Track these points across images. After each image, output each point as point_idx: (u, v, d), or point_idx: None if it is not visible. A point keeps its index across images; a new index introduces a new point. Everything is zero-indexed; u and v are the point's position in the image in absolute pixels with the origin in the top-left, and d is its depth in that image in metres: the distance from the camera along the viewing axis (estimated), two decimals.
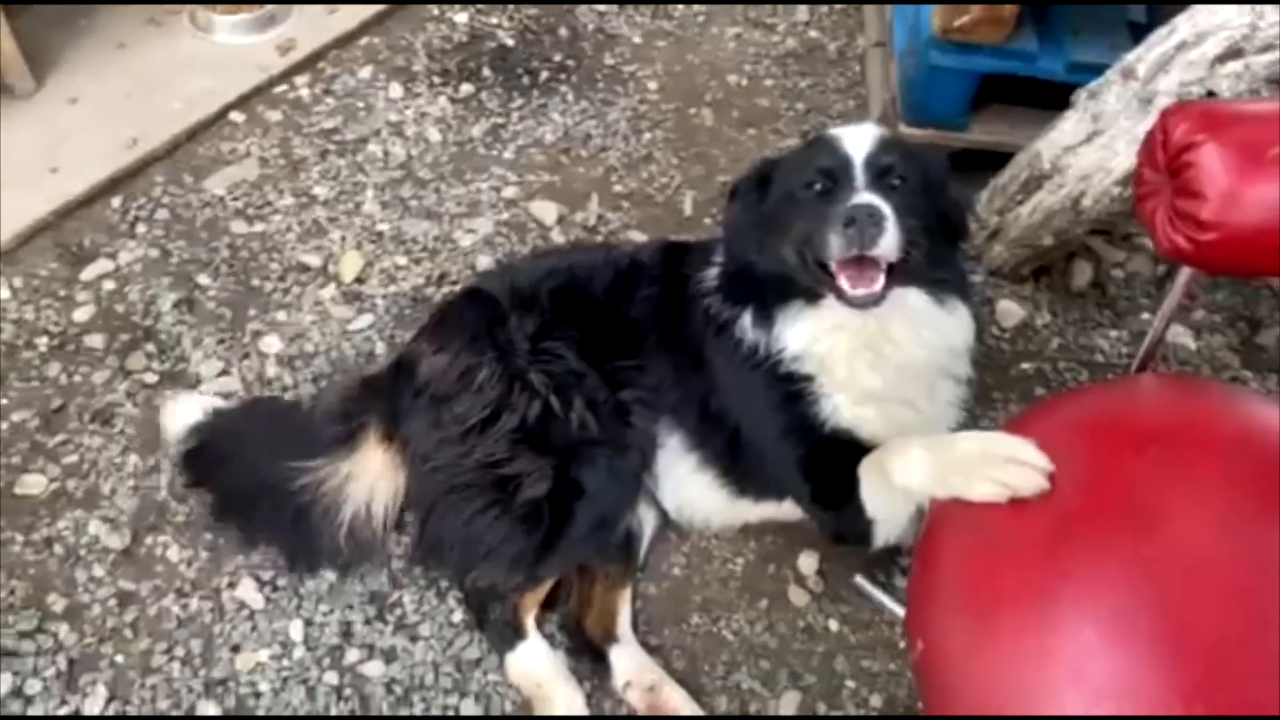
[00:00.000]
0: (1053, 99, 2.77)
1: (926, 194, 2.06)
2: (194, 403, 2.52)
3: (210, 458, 2.42)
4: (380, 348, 2.78)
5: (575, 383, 2.27)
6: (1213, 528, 1.60)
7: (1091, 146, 2.46)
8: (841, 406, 2.12)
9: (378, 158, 3.20)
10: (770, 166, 2.18)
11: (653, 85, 3.49)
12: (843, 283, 1.97)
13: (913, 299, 2.08)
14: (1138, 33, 2.65)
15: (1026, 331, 2.88)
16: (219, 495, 2.40)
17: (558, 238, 3.05)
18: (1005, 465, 1.70)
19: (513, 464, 2.21)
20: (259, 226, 3.01)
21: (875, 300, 1.97)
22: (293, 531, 2.33)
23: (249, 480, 2.35)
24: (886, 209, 1.91)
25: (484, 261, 2.95)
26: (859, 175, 2.00)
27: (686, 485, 2.40)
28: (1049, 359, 2.83)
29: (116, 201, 3.02)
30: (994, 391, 2.75)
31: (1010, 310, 2.90)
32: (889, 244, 1.91)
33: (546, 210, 3.09)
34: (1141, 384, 1.96)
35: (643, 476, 2.34)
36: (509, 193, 3.14)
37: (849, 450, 2.09)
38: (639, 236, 3.06)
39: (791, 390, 2.13)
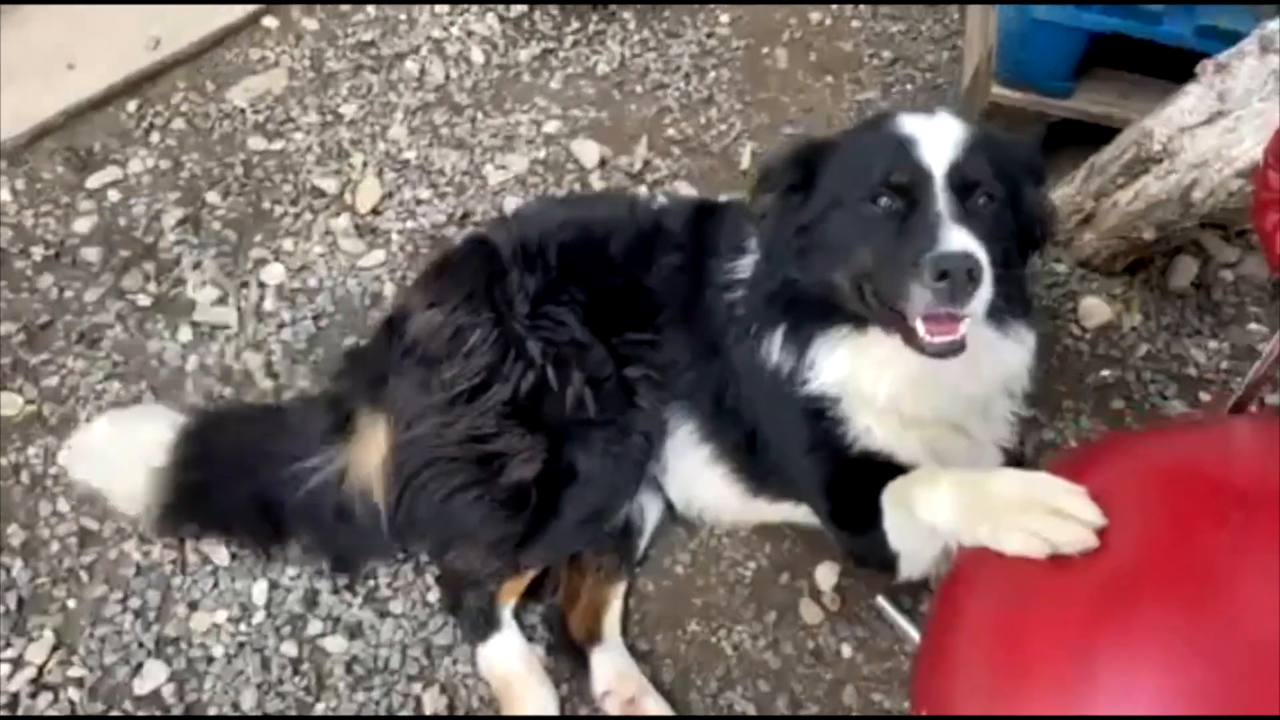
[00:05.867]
0: (1172, 68, 2.39)
1: (1012, 206, 1.73)
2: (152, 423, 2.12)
3: (198, 485, 2.07)
4: (389, 289, 2.56)
5: (576, 354, 2.03)
6: None
7: (1213, 129, 2.08)
8: (875, 428, 1.84)
9: (413, 77, 2.95)
10: (814, 154, 1.81)
11: (725, 18, 3.15)
12: (921, 331, 1.64)
13: (974, 329, 1.69)
14: None
15: (1111, 334, 2.52)
16: (228, 526, 2.13)
17: (597, 183, 2.77)
18: (1047, 516, 1.41)
19: (499, 440, 1.98)
20: (277, 144, 2.79)
21: (957, 349, 1.65)
22: (334, 534, 2.09)
23: (255, 499, 2.06)
24: (982, 256, 1.56)
25: (512, 203, 2.70)
26: (940, 196, 1.63)
27: (697, 477, 2.15)
28: (1133, 368, 2.48)
29: (132, 106, 2.83)
30: (1065, 400, 2.42)
31: (1095, 308, 2.54)
32: (983, 300, 1.58)
33: (588, 151, 2.81)
34: (1236, 430, 1.62)
35: (646, 464, 2.09)
36: (550, 127, 2.87)
37: (879, 471, 1.81)
38: (687, 189, 2.77)
39: (818, 407, 1.85)
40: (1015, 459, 2.02)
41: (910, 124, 1.75)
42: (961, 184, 1.67)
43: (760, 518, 2.20)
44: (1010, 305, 1.76)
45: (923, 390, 1.79)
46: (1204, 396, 2.45)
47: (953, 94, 2.96)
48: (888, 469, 1.80)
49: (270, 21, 3.02)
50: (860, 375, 1.80)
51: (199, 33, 2.93)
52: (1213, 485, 1.47)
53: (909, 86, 3.01)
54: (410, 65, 2.97)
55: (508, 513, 1.99)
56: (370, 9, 3.08)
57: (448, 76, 2.96)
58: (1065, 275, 2.57)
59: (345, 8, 3.07)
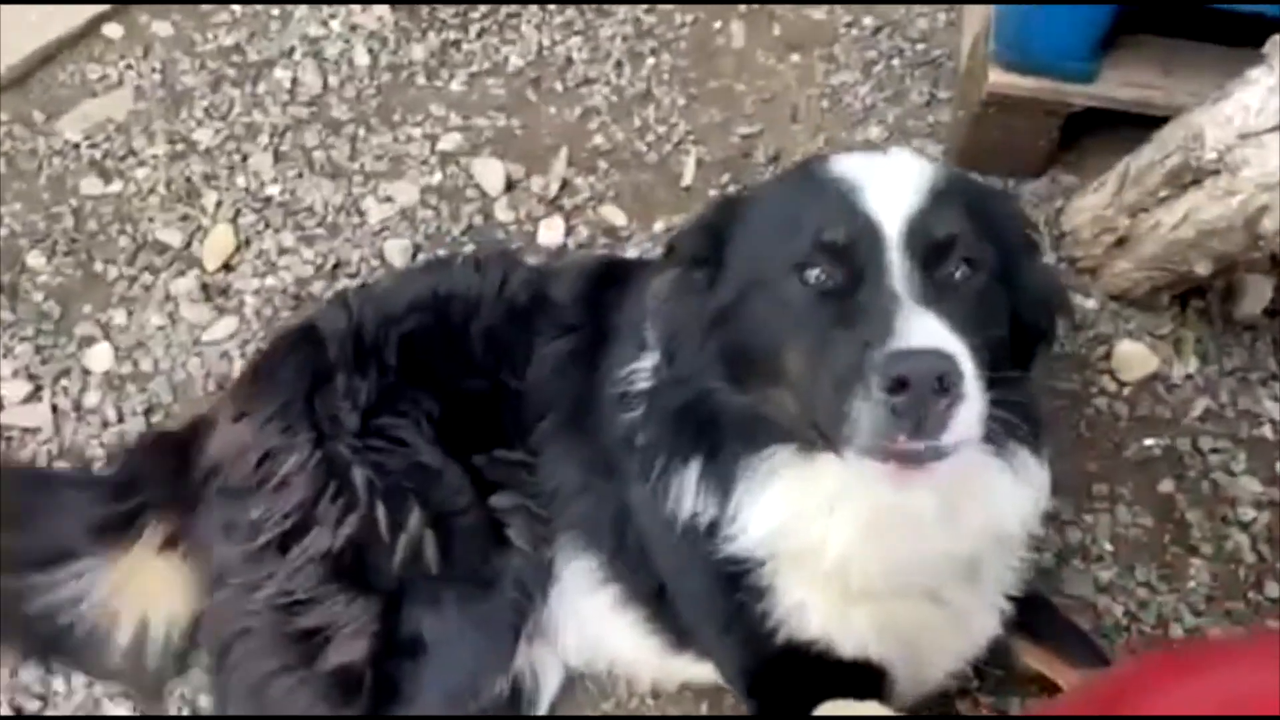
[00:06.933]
0: (1224, 30, 1.79)
1: (1004, 280, 1.18)
2: None
3: None
4: (238, 368, 2.06)
5: (419, 484, 1.55)
6: None
7: None
8: (810, 608, 1.31)
9: (283, 89, 2.42)
10: (727, 215, 1.30)
11: None
12: (884, 474, 1.10)
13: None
14: None
15: (1156, 388, 1.95)
16: None
17: (503, 213, 2.23)
18: None
19: (316, 610, 1.52)
20: (115, 186, 2.29)
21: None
22: (73, 660, 1.68)
23: None
24: (961, 354, 1.04)
25: (396, 246, 2.17)
26: (896, 263, 1.11)
27: (600, 629, 1.65)
28: (1188, 432, 1.90)
29: None
30: (1097, 482, 1.86)
31: (1134, 355, 1.96)
32: (966, 425, 1.04)
33: (493, 172, 2.27)
34: None
35: (523, 622, 1.58)
36: (447, 143, 2.33)
37: (816, 672, 1.28)
38: (616, 214, 2.23)
39: (735, 571, 1.32)
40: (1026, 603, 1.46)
41: (851, 165, 1.21)
42: (928, 245, 1.13)
43: (686, 677, 1.68)
44: (1011, 427, 1.19)
45: (881, 548, 1.24)
46: None
47: (951, 70, 2.36)
48: (828, 670, 1.28)
49: (113, 30, 2.50)
50: (800, 522, 1.26)
51: (25, 49, 2.42)
52: None
53: (895, 62, 2.42)
54: (280, 74, 2.44)
55: (335, 704, 1.50)
56: (235, 6, 2.54)
57: (325, 85, 2.42)
58: (1094, 313, 1.98)
59: (205, 6, 2.53)
